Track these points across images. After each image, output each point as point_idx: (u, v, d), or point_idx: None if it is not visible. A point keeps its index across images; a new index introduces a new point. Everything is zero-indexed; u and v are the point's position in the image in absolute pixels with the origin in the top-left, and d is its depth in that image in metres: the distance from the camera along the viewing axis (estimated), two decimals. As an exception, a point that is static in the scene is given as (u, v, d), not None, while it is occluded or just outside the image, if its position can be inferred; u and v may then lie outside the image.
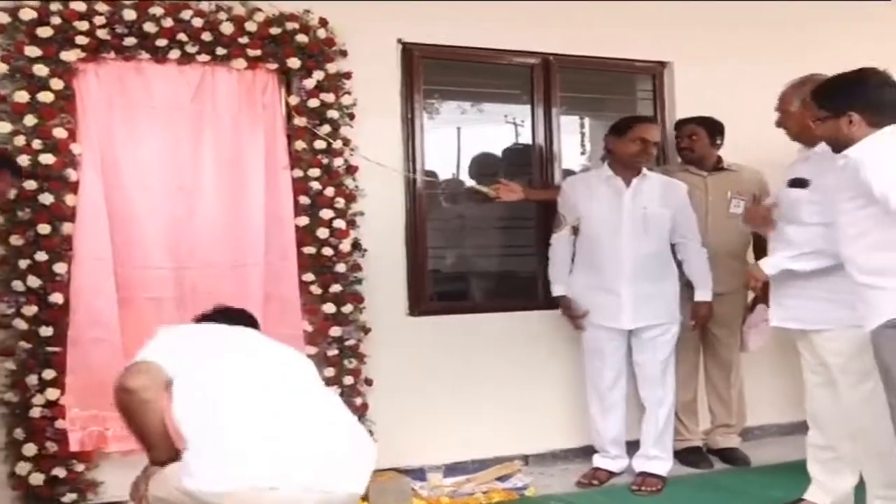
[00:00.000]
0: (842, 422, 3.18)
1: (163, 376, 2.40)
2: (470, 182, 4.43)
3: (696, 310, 3.97)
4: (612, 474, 4.00)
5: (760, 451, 4.39)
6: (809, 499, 3.33)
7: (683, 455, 4.21)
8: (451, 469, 3.90)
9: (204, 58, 3.56)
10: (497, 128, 4.61)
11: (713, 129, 4.30)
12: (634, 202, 3.87)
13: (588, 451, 4.12)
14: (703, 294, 3.96)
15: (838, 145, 2.81)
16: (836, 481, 3.29)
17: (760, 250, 4.24)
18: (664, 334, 3.89)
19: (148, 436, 2.43)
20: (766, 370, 4.57)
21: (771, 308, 3.34)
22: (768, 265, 3.23)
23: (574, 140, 4.77)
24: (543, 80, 4.39)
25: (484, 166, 4.49)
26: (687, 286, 4.02)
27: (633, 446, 4.02)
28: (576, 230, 4.00)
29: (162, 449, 2.42)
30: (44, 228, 3.27)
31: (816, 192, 3.10)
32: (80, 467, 3.37)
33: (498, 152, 4.59)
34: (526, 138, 4.50)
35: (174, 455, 2.37)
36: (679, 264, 3.99)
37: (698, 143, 4.28)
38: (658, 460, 3.92)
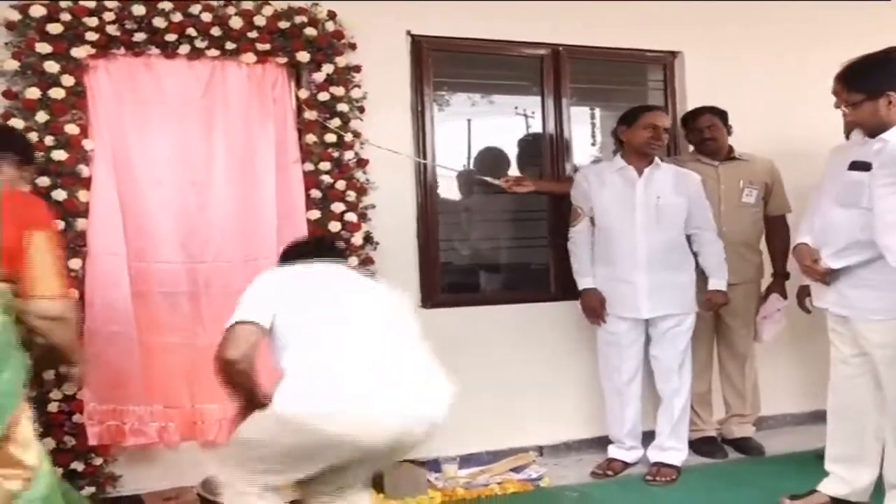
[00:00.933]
0: (878, 412, 3.17)
1: (258, 337, 2.54)
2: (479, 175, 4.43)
3: (711, 297, 3.92)
4: (626, 465, 4.00)
5: (775, 440, 4.38)
6: (825, 491, 3.32)
7: (698, 445, 4.21)
8: (466, 460, 3.91)
9: (213, 53, 3.56)
10: (507, 119, 4.59)
11: (725, 117, 4.28)
12: (647, 192, 3.86)
13: (603, 442, 4.12)
14: (717, 283, 3.92)
15: (874, 128, 2.74)
16: (856, 474, 3.27)
17: (774, 239, 4.24)
18: (680, 325, 3.88)
19: (248, 399, 2.58)
20: (780, 360, 4.56)
21: (825, 293, 3.25)
22: (831, 258, 3.13)
23: (585, 131, 4.76)
24: (553, 71, 4.38)
25: (490, 160, 4.48)
26: (702, 277, 3.99)
27: (648, 437, 4.02)
28: (594, 221, 3.99)
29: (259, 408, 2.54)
30: (58, 224, 3.28)
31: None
32: (98, 461, 3.39)
33: (505, 146, 4.57)
34: (536, 129, 4.50)
35: None
36: (696, 255, 3.96)
37: (719, 133, 4.25)
38: (673, 451, 3.91)
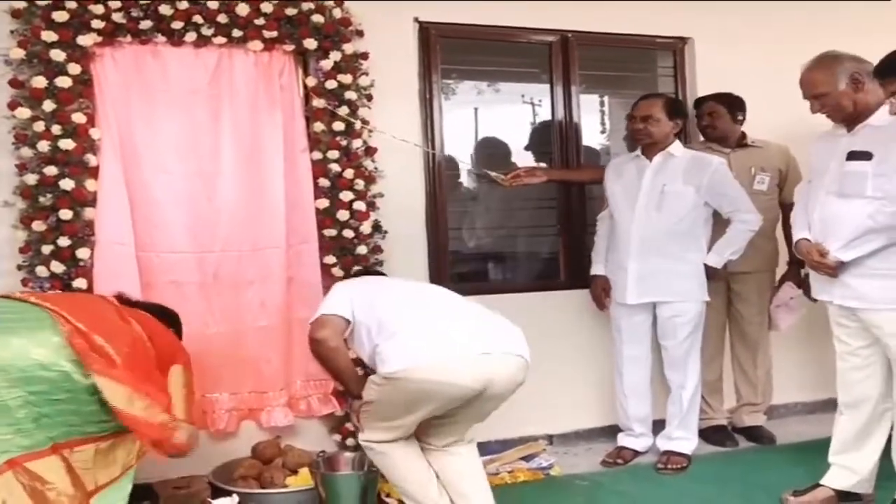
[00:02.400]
0: (885, 400, 3.17)
1: (342, 324, 2.96)
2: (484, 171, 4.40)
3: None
4: (637, 453, 3.99)
5: (786, 429, 4.36)
6: (829, 484, 3.30)
7: (708, 433, 4.20)
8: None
9: (220, 40, 3.54)
10: (515, 107, 4.56)
11: (734, 105, 4.24)
12: (655, 179, 3.84)
13: (613, 431, 4.11)
14: (710, 257, 3.83)
15: None
16: (862, 464, 3.26)
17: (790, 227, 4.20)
18: (683, 315, 3.84)
19: (341, 373, 3.04)
20: (791, 348, 4.53)
21: (828, 286, 3.21)
22: (841, 251, 3.09)
23: (594, 119, 4.72)
24: (562, 58, 4.35)
25: (492, 149, 4.46)
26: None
27: (659, 425, 4.00)
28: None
29: (354, 383, 3.01)
30: (65, 214, 3.26)
31: (881, 164, 3.01)
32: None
33: (512, 134, 4.54)
34: (544, 117, 4.47)
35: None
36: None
37: (720, 120, 4.22)
38: (682, 440, 3.90)
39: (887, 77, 2.79)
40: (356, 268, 3.70)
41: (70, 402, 2.38)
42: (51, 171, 3.26)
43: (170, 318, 2.99)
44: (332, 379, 3.26)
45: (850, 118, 3.12)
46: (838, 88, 3.08)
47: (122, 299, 2.88)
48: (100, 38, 3.36)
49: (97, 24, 3.34)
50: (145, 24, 3.42)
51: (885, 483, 3.23)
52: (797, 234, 3.32)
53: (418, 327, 2.83)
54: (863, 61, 3.09)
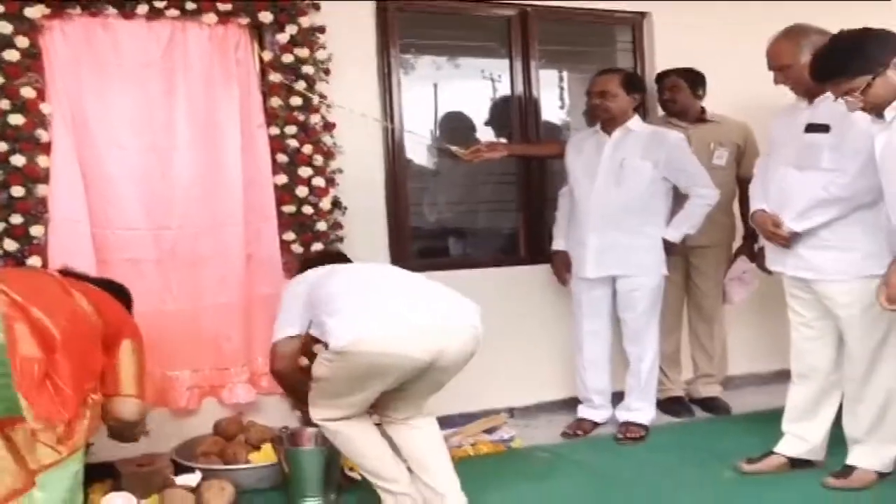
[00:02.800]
0: (837, 370, 3.23)
1: (296, 344, 3.05)
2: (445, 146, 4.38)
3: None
4: (596, 424, 4.04)
5: (741, 399, 4.43)
6: (782, 451, 3.37)
7: (666, 404, 4.26)
8: (439, 422, 3.88)
9: (173, 13, 3.46)
10: (474, 83, 4.55)
11: (695, 80, 4.26)
12: (613, 154, 3.85)
13: (573, 403, 4.15)
14: (667, 232, 3.86)
15: (888, 104, 2.69)
16: (814, 432, 3.33)
17: (746, 202, 4.24)
18: (641, 288, 3.87)
19: (298, 388, 3.08)
20: (747, 320, 4.60)
21: (782, 257, 3.26)
22: (795, 221, 3.14)
23: (553, 93, 4.73)
24: (521, 32, 4.34)
25: (456, 123, 4.45)
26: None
27: (618, 397, 4.05)
28: None
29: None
30: (17, 191, 3.19)
31: (837, 137, 3.05)
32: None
33: (472, 109, 4.53)
34: (504, 92, 4.46)
35: None
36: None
37: (680, 95, 4.25)
38: (640, 411, 3.95)
39: (832, 79, 2.77)
40: (316, 247, 3.68)
41: (7, 377, 2.29)
42: (1, 147, 3.18)
43: (118, 292, 2.93)
44: (291, 393, 3.35)
45: (812, 91, 3.15)
46: (801, 61, 3.09)
47: (67, 272, 2.82)
48: (48, 10, 3.27)
49: (45, -5, 3.25)
50: (95, -4, 3.34)
51: (835, 450, 3.30)
52: (754, 206, 3.37)
53: (367, 303, 2.84)
54: (829, 35, 3.09)
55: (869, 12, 3.13)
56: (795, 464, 3.36)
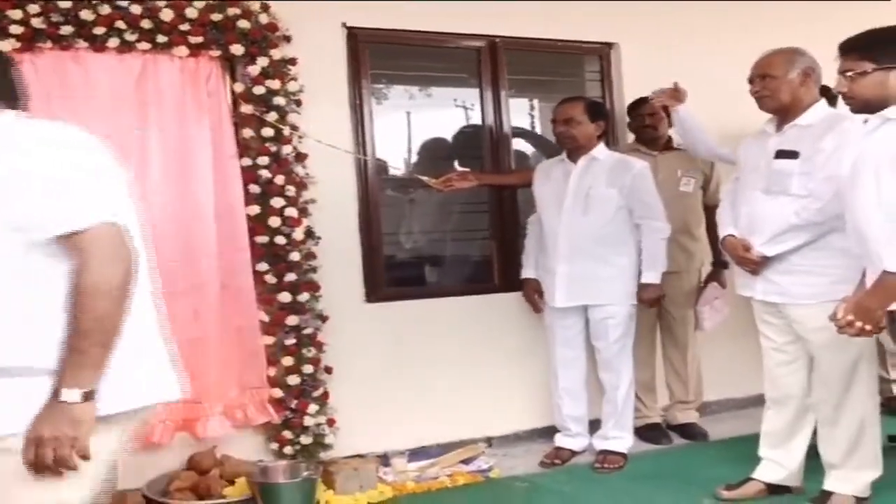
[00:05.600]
0: (809, 394, 3.24)
1: None
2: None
3: (641, 292, 3.89)
4: (574, 453, 4.02)
5: (718, 425, 4.44)
6: (760, 478, 3.37)
7: (643, 431, 4.25)
8: (415, 454, 3.88)
9: (144, 46, 3.46)
10: (446, 112, 4.59)
11: (666, 108, 4.32)
12: (580, 183, 3.87)
13: (551, 432, 4.14)
14: (647, 276, 3.88)
15: (872, 105, 2.64)
16: (791, 457, 3.34)
17: (714, 229, 4.28)
18: (613, 317, 3.87)
19: None
20: (722, 346, 4.61)
21: (751, 282, 3.28)
22: (765, 246, 3.16)
23: (524, 122, 4.78)
24: (490, 62, 4.38)
25: (434, 151, 4.48)
26: None
27: (595, 424, 4.05)
28: None
29: None
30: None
31: (806, 163, 3.08)
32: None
33: (449, 137, 4.58)
34: (475, 121, 4.50)
35: None
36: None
37: (661, 123, 4.30)
38: (618, 439, 3.94)
39: (849, 51, 2.70)
40: (290, 277, 3.69)
41: None
42: (-30, 180, 3.15)
43: None
44: None
45: (781, 109, 3.20)
46: (787, 76, 3.15)
47: None
48: (19, 44, 3.26)
49: (16, 29, 3.24)
50: (66, 30, 3.33)
51: (813, 475, 3.29)
52: (723, 231, 3.39)
53: None
54: (817, 66, 3.19)
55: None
56: (774, 490, 3.36)
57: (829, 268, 3.06)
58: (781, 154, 3.16)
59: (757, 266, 3.22)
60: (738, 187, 3.40)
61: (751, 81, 3.26)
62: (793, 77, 3.15)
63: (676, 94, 3.86)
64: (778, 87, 3.17)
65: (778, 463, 3.34)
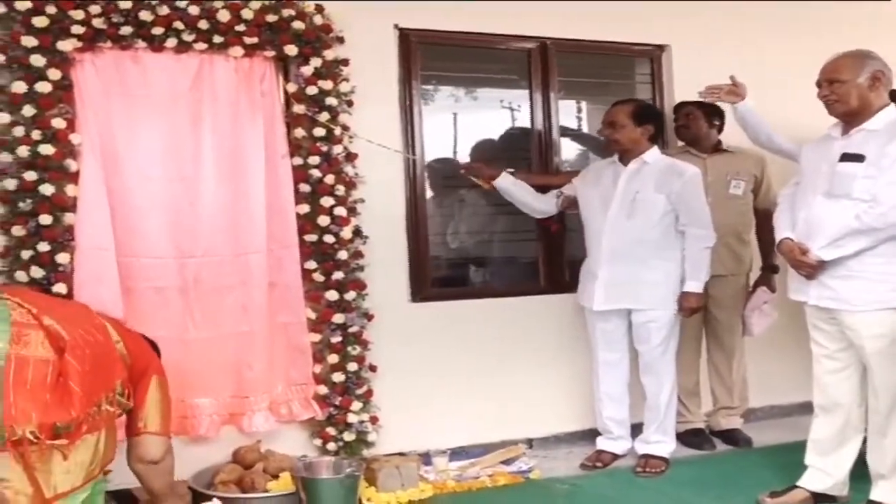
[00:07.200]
0: (861, 403, 3.20)
1: None
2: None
3: (681, 299, 3.84)
4: (616, 456, 4.01)
5: (763, 432, 4.40)
6: (806, 486, 3.33)
7: (686, 436, 4.23)
8: (457, 453, 3.91)
9: (201, 46, 3.53)
10: (494, 113, 4.60)
11: (711, 111, 4.30)
12: (628, 187, 3.85)
13: (592, 434, 4.13)
14: (689, 284, 3.83)
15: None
16: (837, 467, 3.30)
17: (763, 232, 4.24)
18: (656, 321, 3.85)
19: None
20: (768, 352, 4.56)
21: (805, 287, 3.24)
22: (823, 250, 3.12)
23: (572, 124, 4.77)
24: (541, 64, 4.39)
25: (484, 152, 4.49)
26: None
27: (638, 428, 4.03)
28: (564, 201, 4.09)
29: None
30: (45, 219, 3.25)
31: (871, 167, 3.05)
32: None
33: (496, 138, 4.58)
34: (522, 123, 4.50)
35: None
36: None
37: (695, 123, 4.29)
38: (660, 444, 3.93)
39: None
40: (337, 276, 3.73)
41: None
42: (30, 176, 3.24)
43: (148, 340, 2.97)
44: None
45: (849, 114, 3.15)
46: (856, 80, 3.11)
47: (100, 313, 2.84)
48: (80, 44, 3.35)
49: (77, 29, 3.32)
50: (126, 30, 3.41)
51: (859, 485, 3.27)
52: (780, 234, 3.34)
53: None
54: (888, 69, 3.15)
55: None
56: (819, 498, 3.32)
57: (887, 274, 3.03)
58: (846, 157, 3.12)
59: (813, 270, 3.18)
60: (797, 191, 3.35)
61: (818, 86, 3.22)
62: (861, 81, 3.10)
63: (735, 89, 3.80)
64: (846, 92, 3.12)
65: (824, 471, 3.31)
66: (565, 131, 4.56)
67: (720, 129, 4.34)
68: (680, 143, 4.42)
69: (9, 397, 2.24)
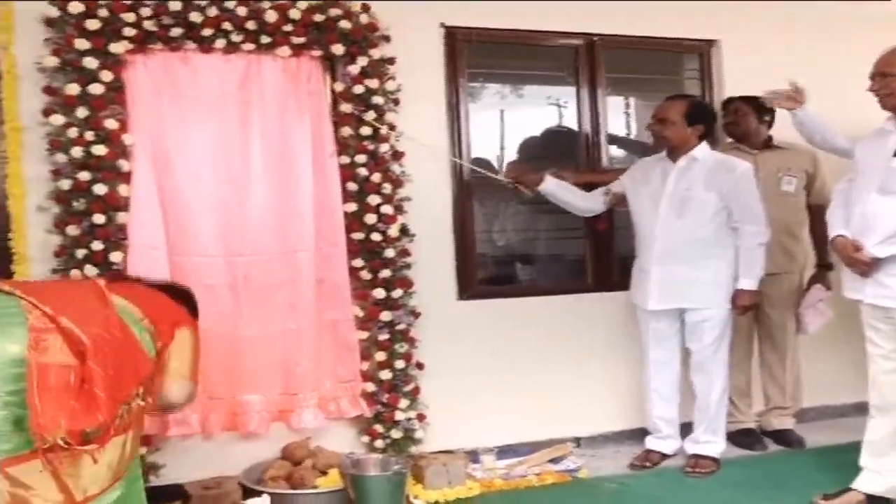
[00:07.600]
0: None
1: None
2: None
3: (735, 297, 3.78)
4: (665, 456, 3.98)
5: (815, 433, 4.32)
6: (860, 488, 3.27)
7: (736, 436, 4.18)
8: (504, 451, 3.91)
9: (249, 46, 3.58)
10: (541, 110, 4.58)
11: (760, 107, 4.21)
12: (678, 184, 3.80)
13: (641, 434, 4.10)
14: (742, 282, 3.76)
15: None
16: (892, 469, 3.23)
17: (817, 229, 4.16)
18: (709, 320, 3.80)
19: None
20: (822, 351, 4.49)
21: (861, 285, 3.18)
22: (878, 247, 3.06)
23: (619, 121, 4.73)
24: (588, 61, 4.36)
25: (530, 150, 4.47)
26: None
27: (687, 428, 3.99)
28: (612, 199, 4.04)
29: None
30: (99, 218, 3.32)
31: None
32: (141, 451, 3.41)
33: (543, 136, 4.57)
34: (569, 120, 4.47)
35: None
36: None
37: (744, 119, 4.22)
38: (710, 444, 3.88)
39: None
40: (384, 273, 3.74)
41: None
42: (84, 176, 3.31)
43: (176, 292, 2.86)
44: None
45: None
46: None
47: (116, 277, 2.81)
48: (131, 46, 3.41)
49: (129, 31, 3.39)
50: (176, 32, 3.46)
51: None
52: (834, 231, 3.29)
53: None
54: None
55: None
56: (873, 501, 3.26)
57: None
58: None
59: (868, 268, 3.12)
60: (852, 187, 3.29)
61: (871, 79, 3.16)
62: None
63: (794, 95, 3.73)
64: None
65: (879, 473, 3.24)
66: (612, 139, 4.51)
67: (770, 125, 4.26)
68: (728, 140, 4.35)
69: (35, 405, 2.24)
